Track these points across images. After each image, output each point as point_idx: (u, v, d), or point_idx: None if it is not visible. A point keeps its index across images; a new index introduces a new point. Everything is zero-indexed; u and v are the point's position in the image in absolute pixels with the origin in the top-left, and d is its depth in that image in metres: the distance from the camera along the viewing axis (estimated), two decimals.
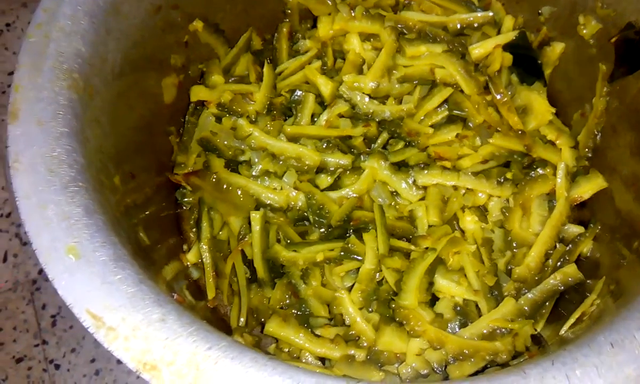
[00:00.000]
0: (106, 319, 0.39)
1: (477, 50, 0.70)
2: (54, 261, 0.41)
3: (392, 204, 0.67)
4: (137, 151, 0.64)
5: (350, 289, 0.62)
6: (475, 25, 0.72)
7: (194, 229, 0.71)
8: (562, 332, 0.54)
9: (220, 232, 0.69)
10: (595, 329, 0.39)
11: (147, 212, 0.64)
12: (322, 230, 0.66)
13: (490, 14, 0.71)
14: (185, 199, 0.72)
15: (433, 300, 0.61)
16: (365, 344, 0.58)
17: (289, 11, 0.78)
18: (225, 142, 0.70)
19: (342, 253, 0.63)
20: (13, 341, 0.84)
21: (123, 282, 0.41)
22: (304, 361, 0.58)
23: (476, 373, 0.56)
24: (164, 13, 0.64)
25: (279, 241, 0.66)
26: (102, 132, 0.54)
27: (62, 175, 0.45)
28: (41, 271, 0.90)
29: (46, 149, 0.46)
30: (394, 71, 0.71)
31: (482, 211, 0.66)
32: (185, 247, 0.71)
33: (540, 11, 0.70)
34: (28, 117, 0.47)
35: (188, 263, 0.68)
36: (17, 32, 1.12)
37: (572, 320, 0.54)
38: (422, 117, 0.69)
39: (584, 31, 0.64)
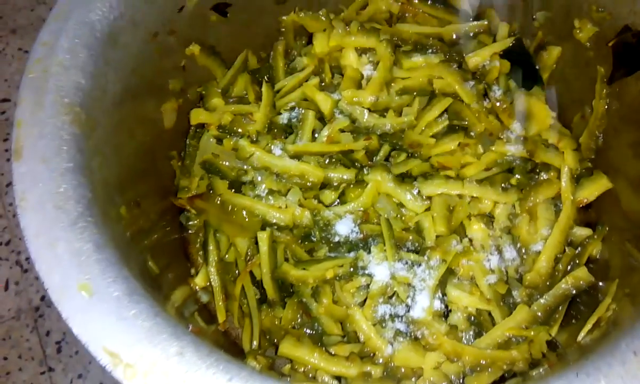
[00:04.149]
0: (123, 356, 0.39)
1: (474, 59, 0.70)
2: (67, 299, 0.41)
3: (398, 216, 0.66)
4: (141, 178, 0.63)
5: (362, 305, 0.62)
6: (471, 34, 0.72)
7: (200, 253, 0.71)
8: (579, 338, 0.54)
9: (227, 255, 0.69)
10: (616, 336, 0.39)
11: (153, 239, 0.63)
12: (330, 246, 0.65)
13: (485, 22, 0.72)
14: (190, 223, 0.71)
15: (446, 311, 0.61)
16: (381, 360, 0.58)
17: (284, 29, 0.79)
18: (228, 164, 0.70)
19: (351, 269, 0.63)
20: (19, 369, 0.84)
21: (138, 317, 0.40)
22: (320, 380, 0.58)
23: None
24: (161, 39, 0.64)
25: (287, 259, 0.66)
26: (105, 163, 0.54)
27: (69, 211, 0.45)
28: (43, 298, 0.89)
29: (52, 185, 0.45)
30: (392, 84, 0.71)
31: (488, 219, 0.66)
32: (192, 271, 0.70)
33: (534, 16, 0.71)
34: (32, 154, 0.47)
35: (197, 287, 0.68)
36: (8, 59, 1.12)
37: (589, 326, 0.54)
38: (423, 128, 0.69)
39: (580, 34, 0.65)
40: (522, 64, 0.71)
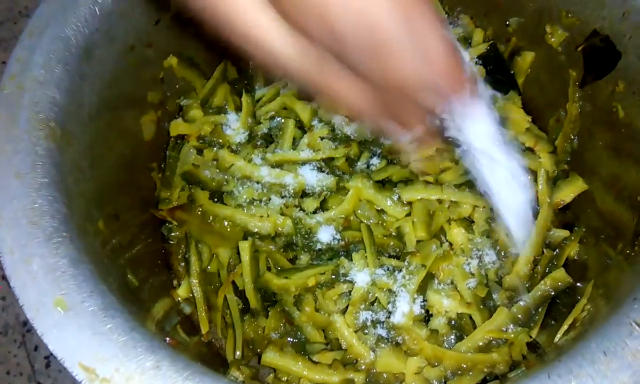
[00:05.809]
0: (99, 371, 0.38)
1: None
2: (42, 315, 0.40)
3: (379, 222, 0.67)
4: (120, 191, 0.63)
5: (344, 312, 0.62)
6: None
7: (182, 264, 0.70)
8: (556, 339, 0.54)
9: (210, 265, 0.69)
10: (588, 336, 0.40)
11: (133, 252, 0.63)
12: (311, 254, 0.66)
13: (460, 29, 0.73)
14: (172, 234, 0.71)
15: (427, 316, 0.61)
16: (363, 367, 0.58)
17: None
18: (208, 174, 0.70)
19: (333, 276, 0.63)
20: None
21: (114, 332, 0.40)
22: None
23: None
24: (138, 52, 0.64)
25: (269, 268, 0.66)
26: (82, 177, 0.54)
27: (44, 226, 0.44)
28: None
29: (27, 201, 0.45)
30: None
31: (468, 223, 0.67)
32: (175, 282, 0.70)
33: (508, 22, 0.72)
34: (6, 170, 0.46)
35: (179, 298, 0.67)
36: None
37: (565, 327, 0.54)
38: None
39: (552, 39, 0.66)
40: (498, 69, 0.72)
